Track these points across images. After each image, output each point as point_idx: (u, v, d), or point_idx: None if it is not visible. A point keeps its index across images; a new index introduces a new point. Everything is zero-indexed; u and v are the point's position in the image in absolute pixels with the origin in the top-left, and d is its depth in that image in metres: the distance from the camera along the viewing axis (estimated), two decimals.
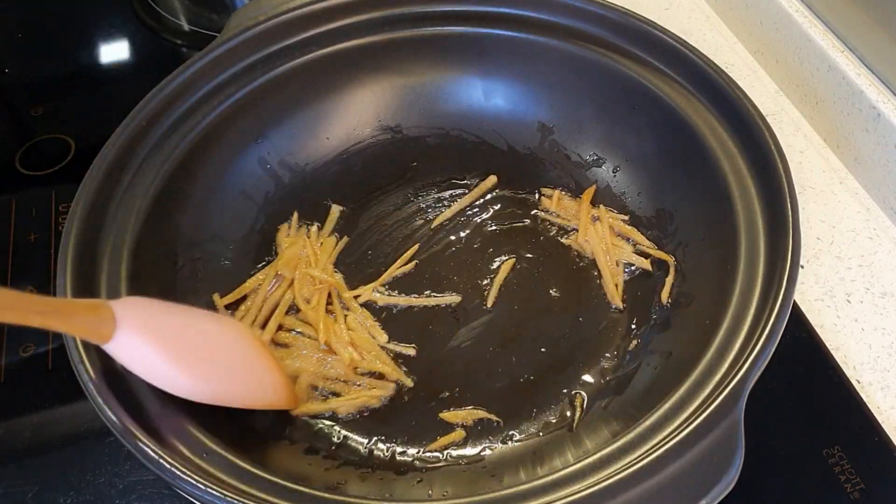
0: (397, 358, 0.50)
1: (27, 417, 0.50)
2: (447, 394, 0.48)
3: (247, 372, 0.44)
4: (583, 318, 0.52)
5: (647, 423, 0.38)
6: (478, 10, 0.58)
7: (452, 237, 0.57)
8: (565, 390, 0.48)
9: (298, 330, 0.51)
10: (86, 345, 0.40)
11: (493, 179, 0.59)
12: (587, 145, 0.59)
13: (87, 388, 0.39)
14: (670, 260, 0.52)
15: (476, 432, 0.47)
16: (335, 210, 0.58)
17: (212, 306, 0.51)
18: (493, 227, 0.57)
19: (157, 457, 0.36)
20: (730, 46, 0.72)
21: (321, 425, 0.47)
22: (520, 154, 0.60)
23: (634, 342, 0.50)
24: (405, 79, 0.60)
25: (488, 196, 0.59)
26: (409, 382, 0.49)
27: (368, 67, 0.59)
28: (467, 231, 0.57)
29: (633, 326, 0.51)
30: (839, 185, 0.60)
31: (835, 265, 0.56)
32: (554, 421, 0.47)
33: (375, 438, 0.47)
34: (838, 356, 0.51)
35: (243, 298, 0.52)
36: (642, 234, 0.54)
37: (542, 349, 0.50)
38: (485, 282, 0.54)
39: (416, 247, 0.56)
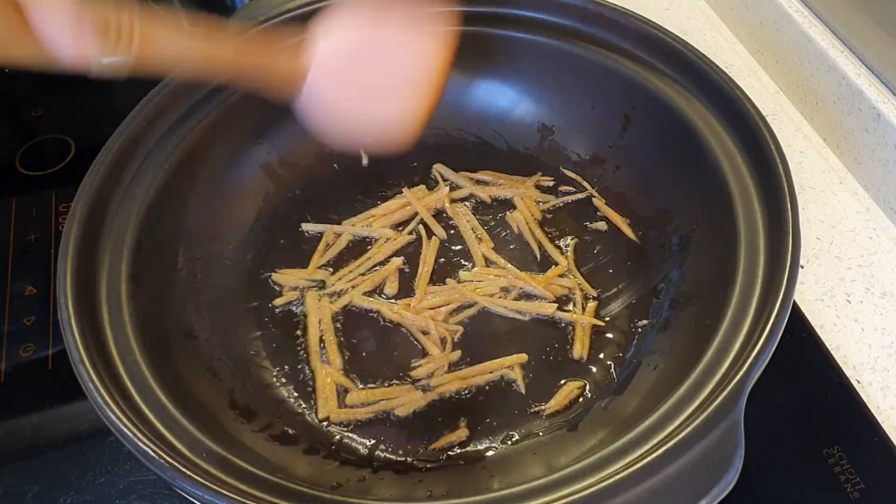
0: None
1: (27, 417, 0.50)
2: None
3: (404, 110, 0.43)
4: None
5: (647, 423, 0.38)
6: (478, 11, 0.57)
7: (456, 243, 0.57)
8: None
9: None
10: (86, 345, 0.40)
11: None
12: (587, 145, 0.59)
13: (87, 388, 0.39)
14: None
15: (477, 432, 0.47)
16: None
17: (212, 307, 0.51)
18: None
19: (157, 457, 0.36)
20: (730, 46, 0.72)
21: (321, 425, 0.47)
22: (520, 154, 0.60)
23: (635, 342, 0.50)
24: None
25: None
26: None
27: None
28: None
29: (634, 326, 0.51)
30: (839, 185, 0.60)
31: (835, 265, 0.56)
32: (554, 421, 0.47)
33: (375, 439, 0.47)
34: (838, 356, 0.51)
35: None
36: (641, 233, 0.55)
37: (544, 348, 0.50)
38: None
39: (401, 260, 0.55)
